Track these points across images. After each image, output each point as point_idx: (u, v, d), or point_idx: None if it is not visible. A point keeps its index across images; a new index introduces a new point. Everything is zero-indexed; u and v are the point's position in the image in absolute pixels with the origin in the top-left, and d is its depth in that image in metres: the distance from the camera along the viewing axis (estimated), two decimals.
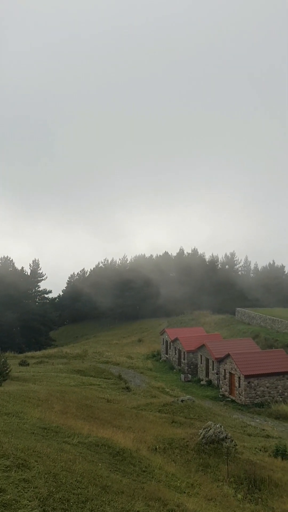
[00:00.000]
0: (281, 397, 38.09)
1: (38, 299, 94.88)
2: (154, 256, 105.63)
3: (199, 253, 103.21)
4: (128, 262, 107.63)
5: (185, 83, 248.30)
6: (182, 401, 26.17)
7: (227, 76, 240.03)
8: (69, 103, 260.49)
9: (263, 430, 25.91)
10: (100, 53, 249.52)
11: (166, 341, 55.08)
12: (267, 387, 38.18)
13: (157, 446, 16.22)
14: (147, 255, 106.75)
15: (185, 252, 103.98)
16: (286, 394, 38.46)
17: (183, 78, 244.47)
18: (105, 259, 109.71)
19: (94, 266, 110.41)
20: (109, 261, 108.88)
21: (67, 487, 8.87)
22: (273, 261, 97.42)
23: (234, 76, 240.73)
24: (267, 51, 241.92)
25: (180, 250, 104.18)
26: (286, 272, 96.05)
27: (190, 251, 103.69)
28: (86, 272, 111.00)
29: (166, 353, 55.10)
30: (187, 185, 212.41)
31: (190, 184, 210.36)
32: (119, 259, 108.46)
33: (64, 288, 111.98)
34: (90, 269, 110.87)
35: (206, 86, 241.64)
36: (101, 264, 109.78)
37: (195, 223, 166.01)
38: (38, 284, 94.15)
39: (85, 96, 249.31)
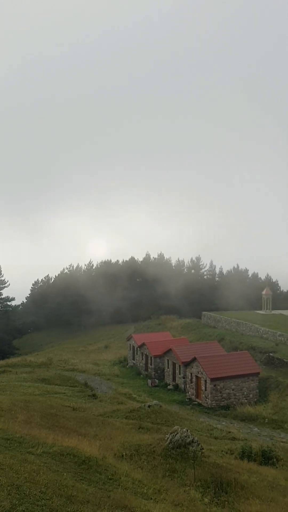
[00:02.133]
0: (246, 399, 38.67)
1: (0, 307, 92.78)
2: (120, 262, 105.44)
3: (165, 258, 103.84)
4: (94, 267, 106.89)
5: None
6: (149, 406, 26.08)
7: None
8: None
9: (229, 432, 26.17)
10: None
11: (133, 347, 54.93)
12: (233, 390, 38.68)
13: (124, 453, 16.04)
14: (113, 260, 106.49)
15: (151, 257, 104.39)
16: (251, 396, 39.08)
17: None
18: (70, 265, 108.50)
19: (59, 272, 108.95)
20: (74, 267, 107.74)
21: (30, 499, 8.63)
22: (237, 265, 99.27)
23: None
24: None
25: (146, 255, 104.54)
26: (250, 275, 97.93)
27: (156, 256, 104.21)
28: (51, 279, 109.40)
29: (133, 359, 54.93)
30: (134, 188, 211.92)
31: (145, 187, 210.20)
32: (85, 265, 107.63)
33: (28, 295, 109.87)
34: (55, 276, 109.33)
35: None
36: (66, 270, 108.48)
37: (152, 228, 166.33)
38: (0, 291, 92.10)
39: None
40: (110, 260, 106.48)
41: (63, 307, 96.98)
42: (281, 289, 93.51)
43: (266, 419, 33.58)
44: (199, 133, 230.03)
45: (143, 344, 51.63)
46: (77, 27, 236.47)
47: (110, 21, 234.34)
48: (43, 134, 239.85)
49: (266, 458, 18.81)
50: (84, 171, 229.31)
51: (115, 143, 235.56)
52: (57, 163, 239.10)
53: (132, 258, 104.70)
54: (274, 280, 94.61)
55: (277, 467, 18.43)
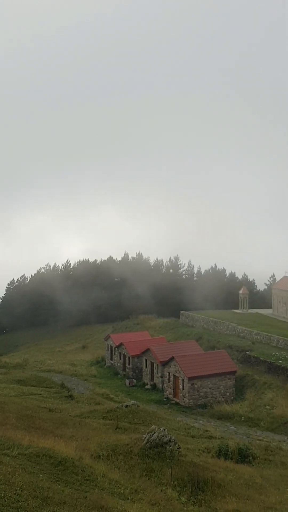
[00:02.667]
0: (223, 397, 39.00)
1: None
2: (98, 261, 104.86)
3: (144, 258, 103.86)
4: (71, 267, 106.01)
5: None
6: (126, 406, 26.00)
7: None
8: None
9: (206, 431, 26.34)
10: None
11: (111, 347, 54.74)
12: (210, 388, 38.95)
13: (101, 454, 15.93)
14: (91, 260, 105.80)
15: (129, 256, 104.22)
16: (228, 394, 39.43)
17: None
18: (47, 265, 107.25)
19: (36, 272, 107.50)
20: (51, 267, 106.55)
21: (6, 501, 8.48)
22: (215, 264, 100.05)
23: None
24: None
25: (125, 254, 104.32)
26: (227, 275, 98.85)
27: (135, 256, 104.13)
28: (27, 278, 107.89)
29: (111, 359, 54.73)
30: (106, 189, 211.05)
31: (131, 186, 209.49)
32: (62, 265, 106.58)
33: (3, 295, 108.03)
34: (31, 275, 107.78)
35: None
36: (42, 270, 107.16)
37: (128, 228, 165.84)
38: None
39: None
40: (88, 260, 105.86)
41: (40, 307, 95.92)
42: (258, 289, 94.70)
43: (243, 417, 33.95)
44: (175, 130, 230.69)
45: (121, 344, 51.50)
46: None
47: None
48: (18, 132, 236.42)
49: (243, 456, 18.98)
50: (55, 170, 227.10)
51: (88, 143, 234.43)
52: (28, 162, 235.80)
53: (110, 258, 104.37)
54: (251, 280, 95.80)
55: (253, 465, 18.62)
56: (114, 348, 53.37)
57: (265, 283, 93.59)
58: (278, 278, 76.33)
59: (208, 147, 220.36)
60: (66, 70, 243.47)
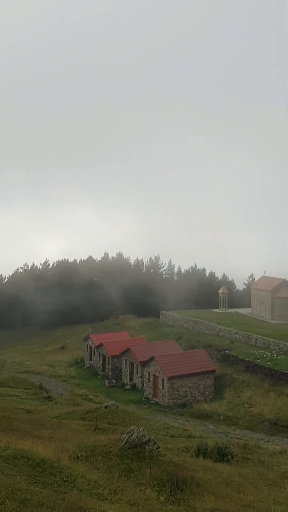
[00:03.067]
0: (202, 397, 39.24)
1: None
2: (78, 261, 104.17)
3: (124, 257, 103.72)
4: (50, 267, 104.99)
5: None
6: (105, 407, 25.89)
7: None
8: None
9: (186, 430, 26.42)
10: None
11: (90, 347, 54.47)
12: (189, 387, 39.14)
13: (79, 455, 15.82)
14: (71, 259, 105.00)
15: (110, 256, 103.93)
16: (207, 393, 39.69)
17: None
18: (25, 264, 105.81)
19: (13, 272, 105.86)
20: (29, 266, 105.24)
21: None
22: (195, 264, 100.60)
23: None
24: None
25: (105, 254, 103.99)
26: (207, 275, 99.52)
27: (115, 255, 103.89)
28: (4, 278, 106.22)
29: (90, 360, 54.47)
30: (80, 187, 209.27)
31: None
32: (41, 264, 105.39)
33: None
34: (8, 275, 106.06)
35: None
36: (20, 270, 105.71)
37: (105, 227, 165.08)
38: None
39: None
40: (67, 259, 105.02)
41: (17, 307, 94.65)
42: (237, 288, 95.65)
43: (222, 416, 34.21)
44: (155, 129, 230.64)
45: (100, 344, 51.31)
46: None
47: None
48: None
49: (221, 455, 19.07)
50: (30, 166, 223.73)
51: (66, 141, 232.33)
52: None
53: (90, 258, 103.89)
54: (230, 279, 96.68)
55: (231, 464, 18.73)
56: (94, 349, 53.13)
57: (244, 283, 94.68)
58: (256, 278, 77.33)
59: (188, 147, 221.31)
60: (44, 65, 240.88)
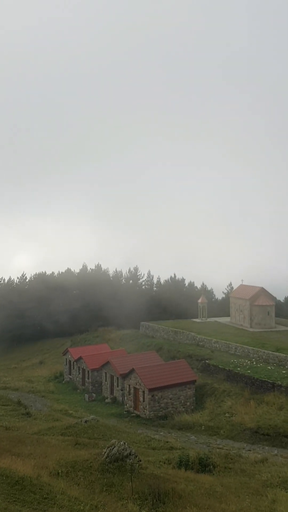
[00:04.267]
0: (184, 407, 39.11)
1: None
2: (56, 273, 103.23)
3: (103, 269, 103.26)
4: (27, 280, 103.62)
5: None
6: (85, 421, 25.59)
7: None
8: None
9: (167, 442, 26.24)
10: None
11: (69, 361, 53.82)
12: (171, 399, 38.99)
13: (60, 471, 15.56)
14: (48, 272, 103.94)
15: (88, 268, 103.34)
16: (188, 403, 39.59)
17: None
18: (1, 278, 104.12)
19: None
20: (5, 280, 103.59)
21: None
22: (174, 274, 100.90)
23: None
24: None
25: (83, 266, 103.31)
26: (186, 285, 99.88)
27: (93, 267, 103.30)
28: None
29: (70, 374, 53.78)
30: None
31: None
32: (17, 278, 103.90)
33: None
34: None
35: None
36: None
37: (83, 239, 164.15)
38: None
39: None
40: (45, 272, 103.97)
41: None
42: (216, 297, 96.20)
43: (203, 426, 34.14)
44: (132, 139, 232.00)
45: (80, 358, 50.75)
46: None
47: None
48: None
49: (203, 465, 19.03)
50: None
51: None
52: None
53: (69, 270, 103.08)
54: (209, 289, 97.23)
55: (213, 474, 18.69)
56: (73, 363, 52.51)
57: (223, 292, 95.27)
58: (235, 286, 77.97)
59: (165, 157, 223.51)
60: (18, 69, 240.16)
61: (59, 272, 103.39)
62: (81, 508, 12.32)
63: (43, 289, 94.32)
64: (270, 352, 44.21)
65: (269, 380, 37.47)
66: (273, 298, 63.09)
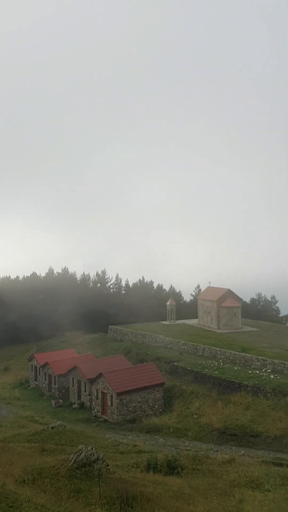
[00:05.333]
0: (152, 410, 39.08)
1: None
2: (20, 278, 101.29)
3: (69, 273, 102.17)
4: None
5: None
6: (52, 428, 25.15)
7: None
8: None
9: (135, 446, 26.11)
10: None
11: (35, 367, 52.86)
12: (139, 402, 38.87)
13: (26, 478, 15.21)
14: (13, 276, 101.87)
15: (55, 272, 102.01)
16: (156, 406, 39.59)
17: None
18: None
19: None
20: None
21: None
22: (143, 277, 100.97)
23: None
24: None
25: (49, 270, 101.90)
26: (155, 287, 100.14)
27: (60, 271, 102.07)
28: None
29: (36, 380, 52.81)
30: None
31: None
32: None
33: None
34: None
35: None
36: None
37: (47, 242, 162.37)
38: None
39: None
40: (9, 277, 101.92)
41: None
42: (184, 299, 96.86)
43: (171, 429, 34.22)
44: (99, 142, 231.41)
45: (46, 364, 49.94)
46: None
47: None
48: None
49: (171, 468, 19.01)
50: None
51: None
52: None
53: (34, 274, 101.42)
54: (177, 291, 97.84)
55: (182, 476, 18.70)
56: (39, 368, 51.61)
57: (191, 294, 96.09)
58: (203, 288, 78.77)
59: (129, 158, 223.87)
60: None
61: (24, 276, 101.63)
62: None
63: (7, 294, 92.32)
64: (237, 352, 44.86)
65: (235, 381, 37.98)
66: (239, 299, 64.11)
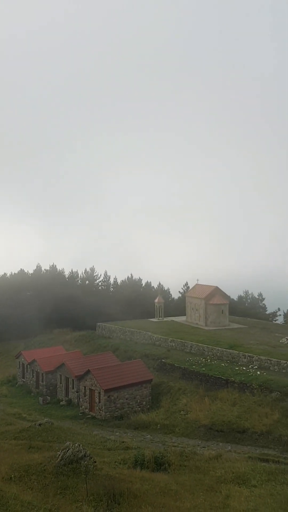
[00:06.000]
0: (140, 407, 39.19)
1: None
2: (8, 275, 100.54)
3: (58, 269, 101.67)
4: None
5: None
6: (40, 425, 25.09)
7: None
8: None
9: (123, 442, 26.15)
10: None
11: (23, 364, 52.60)
12: (127, 399, 38.94)
13: (13, 475, 15.17)
14: (0, 273, 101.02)
15: (43, 269, 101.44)
16: (144, 403, 39.70)
17: None
18: None
19: None
20: None
21: None
22: (131, 274, 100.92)
23: None
24: None
25: (37, 267, 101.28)
26: (143, 285, 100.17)
27: (48, 268, 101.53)
28: None
29: (23, 377, 52.56)
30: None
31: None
32: None
33: None
34: None
35: None
36: None
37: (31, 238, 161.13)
38: None
39: None
40: None
41: None
42: (173, 297, 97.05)
43: (159, 425, 34.35)
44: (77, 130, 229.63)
45: (33, 361, 49.73)
46: None
47: None
48: None
49: (158, 464, 19.08)
50: None
51: None
52: None
53: (22, 271, 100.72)
54: (166, 289, 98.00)
55: (169, 472, 18.77)
56: (26, 366, 51.38)
57: (179, 291, 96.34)
58: (191, 286, 79.03)
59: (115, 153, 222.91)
60: None
61: (11, 273, 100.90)
62: None
63: None
64: (224, 349, 45.16)
65: (222, 377, 38.25)
66: (227, 297, 64.44)
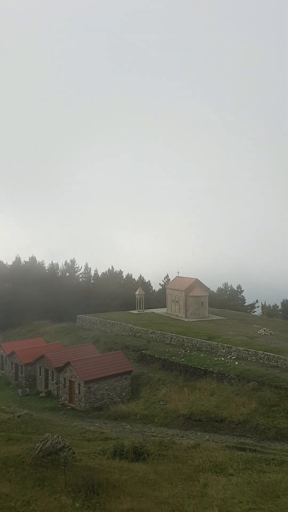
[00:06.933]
0: (119, 398, 39.35)
1: None
2: None
3: (37, 261, 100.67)
4: None
5: None
6: (18, 416, 24.97)
7: None
8: None
9: (102, 433, 26.26)
10: None
11: (2, 356, 52.15)
12: (106, 390, 39.04)
13: None
14: None
15: (22, 260, 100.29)
16: (124, 394, 39.87)
17: None
18: None
19: None
20: None
21: None
22: (112, 267, 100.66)
23: None
24: None
25: (16, 258, 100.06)
26: (124, 277, 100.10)
27: (27, 259, 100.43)
28: None
29: (2, 369, 52.13)
30: None
31: None
32: None
33: None
34: None
35: None
36: None
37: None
38: None
39: None
40: None
41: None
42: (153, 289, 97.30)
43: (138, 415, 34.57)
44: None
45: (12, 353, 49.35)
46: None
47: None
48: None
49: (137, 454, 19.24)
50: None
51: None
52: None
53: (1, 262, 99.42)
54: (147, 281, 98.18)
55: (148, 462, 18.96)
56: (5, 357, 50.96)
57: (160, 284, 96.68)
58: (171, 278, 79.37)
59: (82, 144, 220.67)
60: None
61: None
62: (12, 504, 12.02)
63: None
64: (203, 340, 45.60)
65: (201, 367, 38.66)
66: (207, 289, 64.96)
